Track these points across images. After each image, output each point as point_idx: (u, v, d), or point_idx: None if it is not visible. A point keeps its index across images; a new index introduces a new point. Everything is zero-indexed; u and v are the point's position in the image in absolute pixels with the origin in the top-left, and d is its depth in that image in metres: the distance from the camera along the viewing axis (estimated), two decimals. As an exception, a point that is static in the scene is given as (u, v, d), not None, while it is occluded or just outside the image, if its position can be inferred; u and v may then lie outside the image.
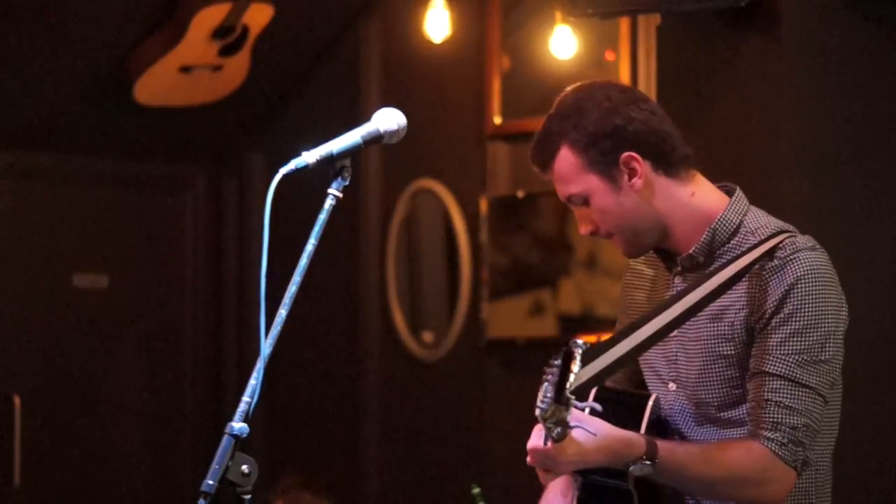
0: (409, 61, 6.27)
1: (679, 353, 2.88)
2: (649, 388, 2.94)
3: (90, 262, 6.66)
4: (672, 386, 2.89)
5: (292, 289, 2.50)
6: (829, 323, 2.77)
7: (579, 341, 2.51)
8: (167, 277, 6.89)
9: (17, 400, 6.34)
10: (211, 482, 2.39)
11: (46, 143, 6.48)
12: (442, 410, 6.17)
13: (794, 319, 2.75)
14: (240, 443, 2.42)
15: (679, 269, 2.89)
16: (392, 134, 2.67)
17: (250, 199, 6.93)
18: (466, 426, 6.02)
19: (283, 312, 2.49)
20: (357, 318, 6.47)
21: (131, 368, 6.75)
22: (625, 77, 5.46)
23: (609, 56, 5.58)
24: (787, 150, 4.17)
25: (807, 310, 2.76)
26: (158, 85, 6.13)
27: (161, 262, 6.87)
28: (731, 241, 2.85)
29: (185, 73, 6.12)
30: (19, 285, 6.46)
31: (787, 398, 2.73)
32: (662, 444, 2.72)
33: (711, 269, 2.82)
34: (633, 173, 2.84)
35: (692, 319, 2.82)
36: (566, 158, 2.85)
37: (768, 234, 2.83)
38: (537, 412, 2.53)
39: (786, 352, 2.74)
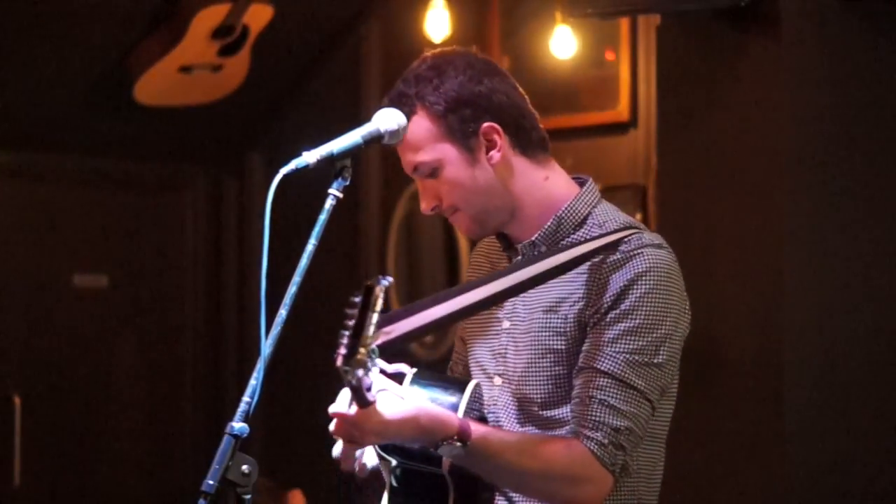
0: (409, 61, 6.26)
1: (508, 347, 2.72)
2: None
3: (90, 262, 6.66)
4: (497, 381, 2.73)
5: (292, 289, 2.50)
6: (667, 326, 2.62)
7: (385, 279, 2.34)
8: (167, 277, 6.89)
9: (17, 400, 6.34)
10: (211, 482, 2.39)
11: (46, 143, 6.47)
12: (442, 410, 6.16)
13: (630, 317, 2.59)
14: (240, 443, 2.42)
15: (519, 257, 2.73)
16: (392, 134, 2.67)
17: (250, 199, 6.93)
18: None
19: (283, 312, 2.49)
20: (357, 318, 6.46)
21: (131, 368, 6.75)
22: (625, 77, 5.45)
23: (609, 56, 5.58)
24: (787, 150, 4.17)
25: (645, 308, 2.60)
26: (158, 85, 6.13)
27: (161, 262, 6.87)
28: (577, 233, 2.70)
29: (185, 73, 6.12)
30: (19, 285, 6.46)
31: (612, 398, 2.57)
32: (477, 428, 2.55)
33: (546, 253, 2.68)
34: (492, 146, 2.69)
35: (527, 311, 2.68)
36: (420, 123, 2.68)
37: (615, 227, 2.68)
38: (337, 362, 2.36)
39: (618, 350, 2.58)
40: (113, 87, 6.19)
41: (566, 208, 2.72)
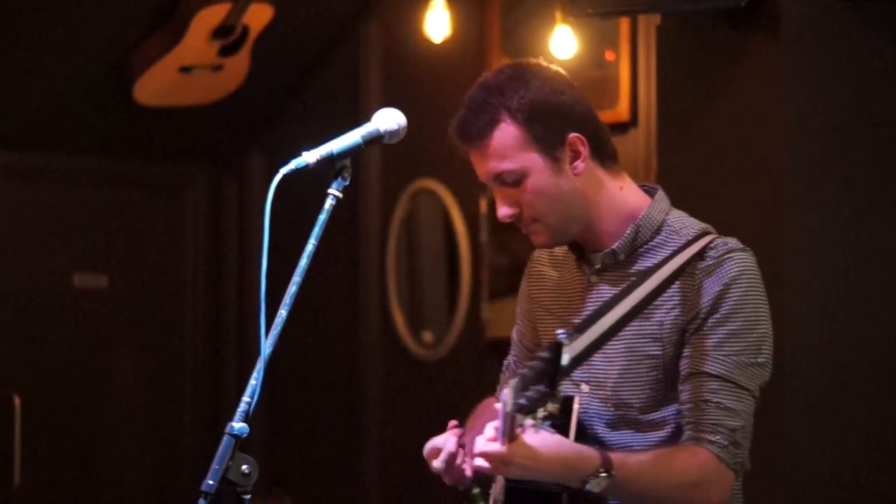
0: (409, 61, 6.28)
1: (595, 354, 2.72)
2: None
3: (90, 262, 6.67)
4: (585, 387, 2.78)
5: (292, 289, 2.50)
6: (763, 325, 2.71)
7: (564, 332, 2.39)
8: (167, 277, 6.89)
9: (17, 400, 6.34)
10: (211, 482, 2.39)
11: (46, 143, 6.48)
12: (442, 410, 6.15)
13: (731, 320, 2.67)
14: (240, 443, 2.42)
15: (598, 266, 2.79)
16: (392, 134, 2.67)
17: (250, 199, 6.93)
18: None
19: (283, 312, 2.49)
20: (357, 318, 6.47)
21: (131, 368, 6.75)
22: (625, 77, 5.45)
23: (609, 56, 5.58)
24: (787, 149, 4.17)
25: (744, 311, 2.68)
26: (158, 85, 6.14)
27: (161, 262, 6.88)
28: (654, 240, 2.76)
29: (185, 73, 6.13)
30: (19, 285, 6.47)
31: (726, 399, 2.65)
32: (614, 455, 2.60)
33: (636, 267, 2.74)
34: (576, 156, 2.73)
35: (606, 316, 2.70)
36: (507, 131, 2.70)
37: (693, 233, 2.76)
38: (511, 408, 2.40)
39: (724, 353, 2.66)
40: (113, 87, 6.19)
41: (643, 217, 2.77)
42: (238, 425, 2.42)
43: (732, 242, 2.74)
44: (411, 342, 6.25)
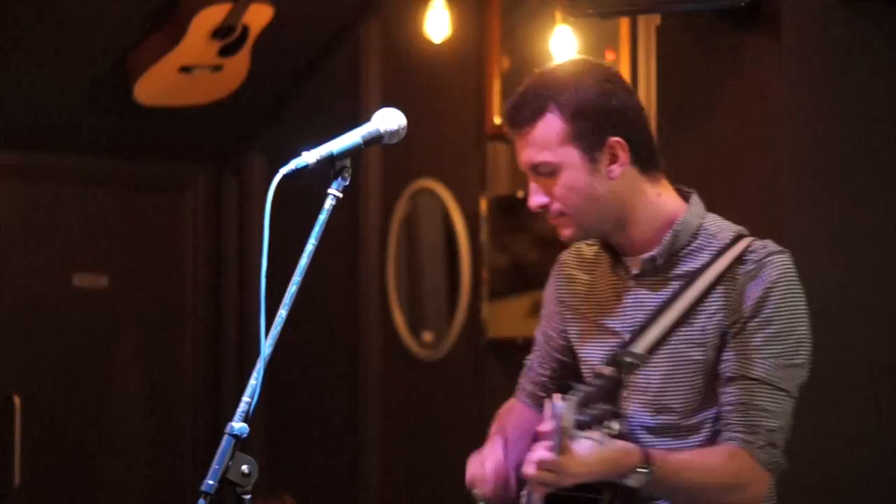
0: (409, 61, 6.27)
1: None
2: None
3: (90, 262, 6.67)
4: (624, 393, 2.75)
5: (292, 289, 2.50)
6: (802, 327, 2.76)
7: (627, 352, 2.48)
8: (167, 277, 6.89)
9: (17, 400, 6.34)
10: (211, 482, 2.39)
11: (46, 143, 6.48)
12: (442, 410, 6.16)
13: (772, 323, 2.72)
14: (240, 443, 2.42)
15: (637, 272, 2.82)
16: (392, 134, 2.67)
17: (250, 199, 6.93)
18: (466, 426, 6.02)
19: (283, 313, 2.49)
20: (357, 318, 6.47)
21: (131, 368, 6.75)
22: (625, 77, 5.45)
23: (609, 56, 5.58)
24: (787, 150, 4.17)
25: (784, 314, 2.73)
26: (158, 85, 6.13)
27: (161, 262, 6.88)
28: (692, 244, 2.80)
29: (185, 73, 6.13)
30: (19, 285, 6.47)
31: (765, 401, 2.71)
32: (654, 452, 2.67)
33: (675, 271, 2.78)
34: (614, 159, 2.77)
35: (656, 324, 2.77)
36: (551, 123, 2.75)
37: (730, 236, 2.80)
38: (571, 423, 2.47)
39: (764, 356, 2.71)
40: (113, 87, 6.19)
41: (680, 222, 2.80)
42: (238, 425, 2.42)
43: (771, 245, 2.78)
44: (411, 342, 6.25)
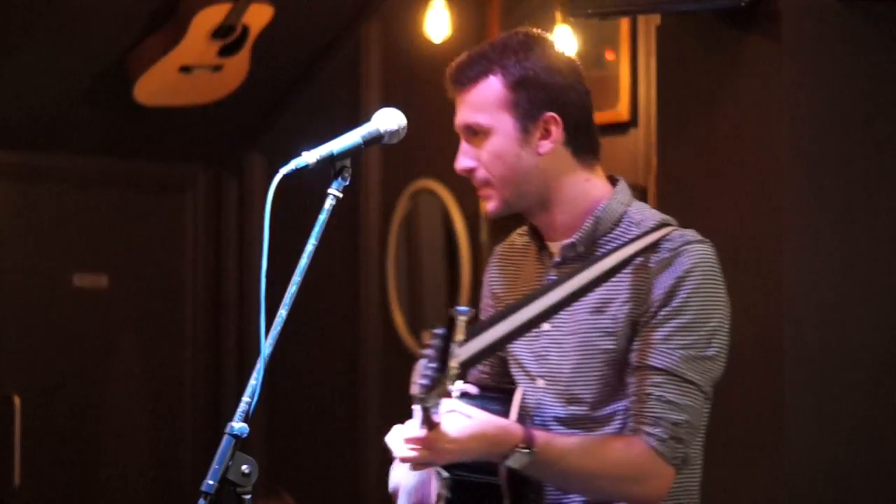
0: (409, 61, 6.27)
1: (551, 348, 2.75)
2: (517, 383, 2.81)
3: (90, 262, 6.67)
4: (541, 382, 2.75)
5: (292, 289, 2.50)
6: (716, 319, 2.68)
7: (462, 308, 2.34)
8: (167, 277, 6.89)
9: (17, 400, 6.34)
10: (211, 482, 2.39)
11: (46, 143, 6.48)
12: (442, 410, 6.16)
13: (682, 313, 2.64)
14: (240, 443, 2.42)
15: (558, 259, 2.77)
16: (392, 134, 2.67)
17: (250, 199, 6.93)
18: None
19: (283, 313, 2.49)
20: (357, 318, 6.47)
21: (131, 368, 6.75)
22: (625, 77, 5.45)
23: (609, 56, 5.58)
24: (787, 150, 4.17)
25: (696, 304, 2.65)
26: (158, 85, 6.13)
27: (161, 262, 6.88)
28: (614, 231, 2.74)
29: (185, 73, 6.13)
30: (19, 285, 6.46)
31: (669, 393, 2.62)
32: (539, 433, 2.59)
33: (593, 258, 2.71)
34: (546, 135, 2.73)
35: (569, 312, 2.70)
36: (491, 86, 2.72)
37: (652, 225, 2.73)
38: (416, 390, 2.39)
39: (671, 346, 2.63)
40: (113, 87, 6.19)
41: (603, 208, 2.75)
42: (238, 425, 2.42)
43: (690, 234, 2.71)
44: (411, 342, 6.25)
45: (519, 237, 2.93)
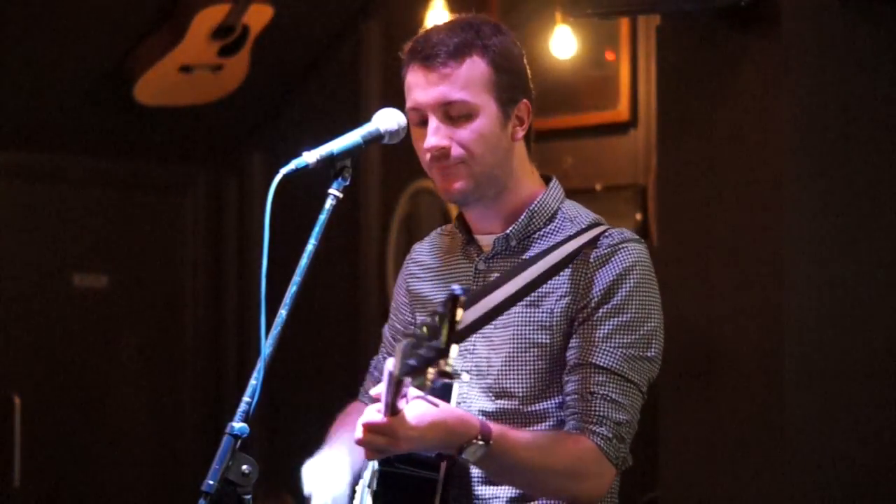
0: (409, 61, 6.27)
1: (477, 342, 2.71)
2: None
3: (90, 262, 6.67)
4: (465, 376, 2.64)
5: (293, 289, 2.50)
6: (654, 319, 2.67)
7: (459, 287, 2.25)
8: (167, 277, 6.89)
9: (17, 400, 6.34)
10: (211, 482, 2.40)
11: (46, 143, 6.48)
12: (442, 410, 6.17)
13: (622, 312, 2.63)
14: (240, 443, 2.42)
15: (489, 252, 2.75)
16: (392, 134, 2.68)
17: (250, 199, 6.93)
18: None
19: (283, 313, 2.49)
20: (357, 317, 6.47)
21: (131, 368, 6.75)
22: (625, 77, 5.46)
23: (609, 56, 5.58)
24: (787, 150, 4.17)
25: (636, 303, 2.64)
26: (158, 85, 6.14)
27: (161, 262, 6.88)
28: (548, 227, 2.73)
29: (186, 73, 6.13)
30: (19, 285, 6.46)
31: (613, 392, 2.60)
32: (494, 426, 2.53)
33: (528, 255, 2.69)
34: (520, 122, 2.72)
35: (493, 296, 2.66)
36: (479, 65, 2.65)
37: (587, 223, 2.72)
38: (408, 362, 2.25)
39: (613, 345, 2.61)
40: (113, 87, 6.19)
41: (538, 203, 2.74)
42: (238, 425, 2.43)
43: (627, 233, 2.70)
44: (411, 342, 6.24)
45: (440, 235, 2.94)
